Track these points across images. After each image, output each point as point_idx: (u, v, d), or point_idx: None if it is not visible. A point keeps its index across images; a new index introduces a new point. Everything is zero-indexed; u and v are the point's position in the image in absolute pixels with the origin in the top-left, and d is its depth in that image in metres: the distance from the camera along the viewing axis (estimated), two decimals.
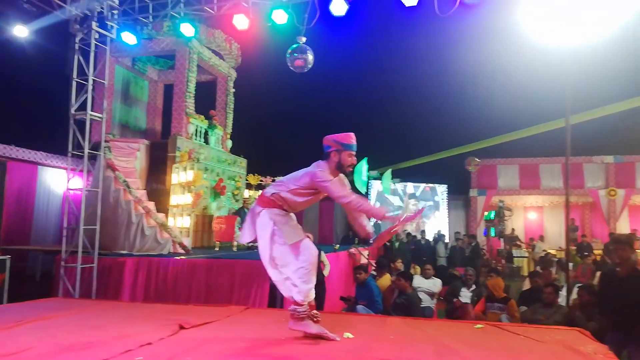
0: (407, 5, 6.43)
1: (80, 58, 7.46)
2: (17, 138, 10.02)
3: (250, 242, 4.22)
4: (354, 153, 3.76)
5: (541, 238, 16.48)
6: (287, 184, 3.74)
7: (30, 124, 11.56)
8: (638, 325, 4.42)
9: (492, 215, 15.35)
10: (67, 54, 7.71)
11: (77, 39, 7.52)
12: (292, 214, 3.84)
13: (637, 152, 16.47)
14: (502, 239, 15.38)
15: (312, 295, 3.64)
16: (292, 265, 3.63)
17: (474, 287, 7.50)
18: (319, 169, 3.67)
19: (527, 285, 7.57)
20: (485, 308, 6.20)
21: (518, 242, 16.01)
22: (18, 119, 11.30)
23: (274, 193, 3.76)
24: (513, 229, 16.78)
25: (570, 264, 7.46)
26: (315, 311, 3.70)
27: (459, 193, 18.24)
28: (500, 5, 7.19)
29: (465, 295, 7.17)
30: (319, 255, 6.95)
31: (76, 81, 7.43)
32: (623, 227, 16.24)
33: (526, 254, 15.17)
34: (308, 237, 3.80)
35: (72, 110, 7.45)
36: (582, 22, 6.01)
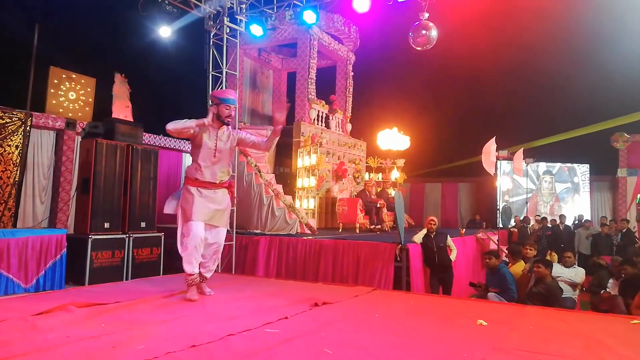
0: None
1: (215, 52, 8.06)
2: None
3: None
4: (231, 106, 4.41)
5: None
6: None
7: (176, 116, 12.81)
8: None
9: None
10: (203, 49, 8.39)
11: (211, 35, 8.14)
12: (193, 188, 4.35)
13: None
14: None
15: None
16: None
17: (622, 277, 6.67)
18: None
19: None
20: None
21: None
22: (166, 112, 12.64)
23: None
24: None
25: None
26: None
27: (605, 173, 16.26)
28: None
29: (613, 287, 6.42)
30: (445, 239, 6.77)
31: (212, 74, 8.06)
32: None
33: None
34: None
35: (210, 102, 8.08)
36: None
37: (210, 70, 8.00)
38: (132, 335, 3.03)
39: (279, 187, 9.18)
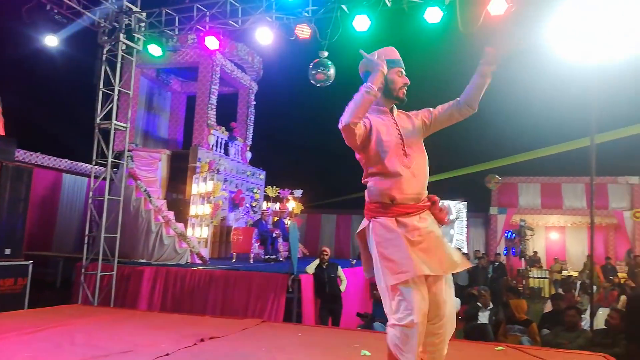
0: (429, 22, 6.42)
1: (107, 68, 7.62)
2: (44, 145, 10.24)
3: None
4: (403, 70, 2.67)
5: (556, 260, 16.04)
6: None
7: (57, 131, 11.84)
8: None
9: (513, 234, 15.05)
10: (94, 64, 7.89)
11: (104, 50, 7.70)
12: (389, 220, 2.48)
13: None
14: (522, 259, 15.05)
15: None
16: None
17: (491, 306, 7.32)
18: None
19: (548, 307, 7.37)
20: (506, 330, 6.05)
21: (538, 264, 15.63)
22: (45, 126, 11.58)
23: (366, 190, 2.67)
24: (536, 252, 16.41)
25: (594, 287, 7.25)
26: None
27: (479, 210, 17.98)
28: (524, 22, 7.14)
29: (484, 316, 7.01)
30: (336, 270, 6.93)
31: (102, 91, 7.59)
32: None
33: (547, 275, 14.81)
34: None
35: (97, 120, 7.59)
36: (607, 40, 5.92)
37: (101, 86, 7.53)
38: None
39: (170, 214, 8.77)
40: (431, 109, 2.75)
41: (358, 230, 2.70)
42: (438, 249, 2.48)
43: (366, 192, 2.64)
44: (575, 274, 13.56)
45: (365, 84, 2.42)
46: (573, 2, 5.94)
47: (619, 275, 11.96)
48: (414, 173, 2.55)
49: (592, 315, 6.16)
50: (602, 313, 6.19)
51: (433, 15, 6.32)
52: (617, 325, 5.18)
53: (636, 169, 16.59)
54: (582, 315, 6.20)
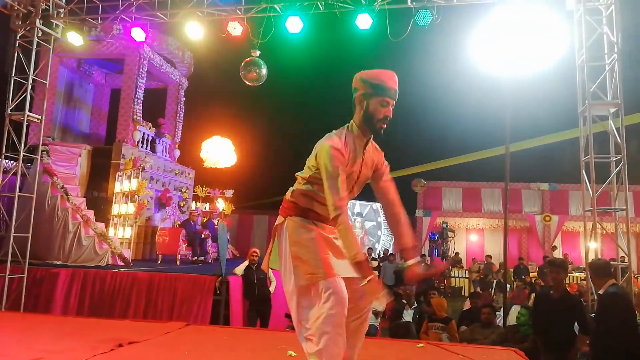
0: (360, 28, 6.58)
1: (21, 55, 7.06)
2: None
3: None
4: (391, 102, 2.44)
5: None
6: (305, 175, 2.54)
7: None
8: (569, 347, 4.63)
9: (436, 236, 15.79)
10: (6, 50, 7.29)
11: (18, 36, 7.13)
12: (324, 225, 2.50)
13: (570, 181, 17.53)
14: (444, 259, 15.81)
15: None
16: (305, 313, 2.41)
17: (415, 305, 7.62)
18: (332, 147, 2.36)
19: (467, 305, 7.79)
20: (427, 327, 6.31)
21: (459, 265, 16.51)
22: None
23: (293, 190, 2.60)
24: (457, 252, 17.29)
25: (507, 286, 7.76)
26: None
27: (406, 213, 18.70)
28: (448, 34, 7.53)
29: (409, 314, 7.27)
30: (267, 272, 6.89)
31: (14, 79, 7.02)
32: (556, 251, 17.15)
33: (467, 275, 15.66)
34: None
35: (9, 110, 7.02)
36: (523, 55, 6.38)
37: (13, 74, 6.97)
38: None
39: (90, 213, 8.27)
40: (387, 166, 2.73)
41: (275, 224, 2.64)
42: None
43: (294, 191, 2.59)
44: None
45: (363, 256, 2.27)
46: (493, 19, 6.34)
47: (531, 275, 12.90)
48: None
49: (505, 312, 6.59)
50: (515, 310, 6.64)
51: (364, 21, 6.48)
52: (526, 322, 5.58)
53: (546, 176, 18.04)
54: (497, 313, 6.61)
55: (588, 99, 6.00)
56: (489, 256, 14.41)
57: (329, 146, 2.35)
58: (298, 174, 2.61)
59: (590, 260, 5.56)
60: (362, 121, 2.46)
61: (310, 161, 2.50)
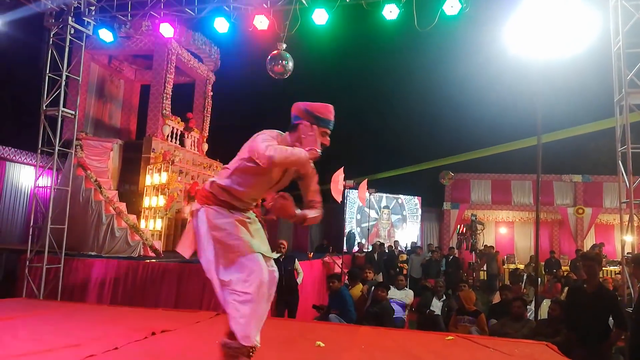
0: (387, 19, 6.51)
1: (55, 53, 7.27)
2: None
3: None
4: (329, 131, 2.77)
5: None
6: (230, 167, 2.81)
7: (0, 118, 11.21)
8: (603, 341, 4.51)
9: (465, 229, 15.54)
10: (41, 48, 7.51)
11: (52, 33, 7.34)
12: (238, 215, 2.78)
13: (604, 173, 16.99)
14: (473, 253, 15.57)
15: (254, 338, 2.71)
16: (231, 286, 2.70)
17: (444, 298, 7.55)
18: (264, 135, 2.70)
19: (497, 299, 7.67)
20: (456, 320, 6.25)
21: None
22: None
23: (212, 182, 2.85)
24: (486, 245, 17.01)
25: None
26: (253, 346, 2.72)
27: (433, 205, 18.46)
28: (477, 23, 7.36)
29: (436, 306, 7.22)
30: (293, 262, 6.93)
31: (49, 76, 7.23)
32: (589, 244, 16.67)
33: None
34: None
35: (44, 106, 7.24)
36: (555, 42, 6.19)
37: (48, 71, 7.18)
38: None
39: (122, 206, 8.49)
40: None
41: (191, 209, 2.87)
42: (263, 238, 2.90)
43: (214, 183, 2.81)
44: (521, 266, 14.16)
45: (313, 149, 2.59)
46: (525, 5, 6.17)
47: (563, 268, 12.58)
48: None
49: (537, 306, 6.46)
50: (546, 304, 6.51)
51: (391, 12, 6.40)
52: (558, 316, 5.45)
53: (579, 168, 17.53)
54: (528, 307, 6.48)
55: (625, 87, 5.79)
56: (491, 247, 14.17)
57: (263, 134, 2.69)
58: (224, 165, 2.90)
59: (625, 253, 5.39)
60: (299, 145, 2.70)
61: (240, 154, 2.77)
